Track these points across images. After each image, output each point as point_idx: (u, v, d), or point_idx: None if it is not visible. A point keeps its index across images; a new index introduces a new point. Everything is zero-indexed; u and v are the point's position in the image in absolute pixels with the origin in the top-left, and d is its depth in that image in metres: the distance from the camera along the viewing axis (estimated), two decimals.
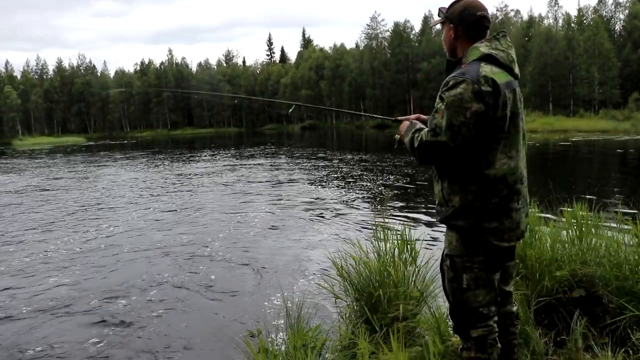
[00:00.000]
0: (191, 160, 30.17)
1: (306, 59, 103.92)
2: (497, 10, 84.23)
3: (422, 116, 2.87)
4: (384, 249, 4.34)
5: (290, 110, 3.65)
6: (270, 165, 24.39)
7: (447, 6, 2.65)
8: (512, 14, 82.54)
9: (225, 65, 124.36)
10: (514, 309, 2.83)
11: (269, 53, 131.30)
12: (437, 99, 2.43)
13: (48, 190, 18.51)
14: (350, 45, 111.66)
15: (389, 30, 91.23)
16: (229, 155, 33.35)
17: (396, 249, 4.32)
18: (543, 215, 4.85)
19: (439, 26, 2.74)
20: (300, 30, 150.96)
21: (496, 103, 2.35)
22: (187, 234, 10.04)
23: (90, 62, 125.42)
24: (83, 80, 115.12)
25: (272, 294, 6.10)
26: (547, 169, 19.45)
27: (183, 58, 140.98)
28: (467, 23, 2.54)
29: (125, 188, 18.14)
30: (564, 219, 4.53)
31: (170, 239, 9.64)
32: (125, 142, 73.32)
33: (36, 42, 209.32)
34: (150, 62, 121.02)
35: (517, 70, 2.54)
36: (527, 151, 2.65)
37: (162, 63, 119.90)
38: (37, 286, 7.13)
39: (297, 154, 30.55)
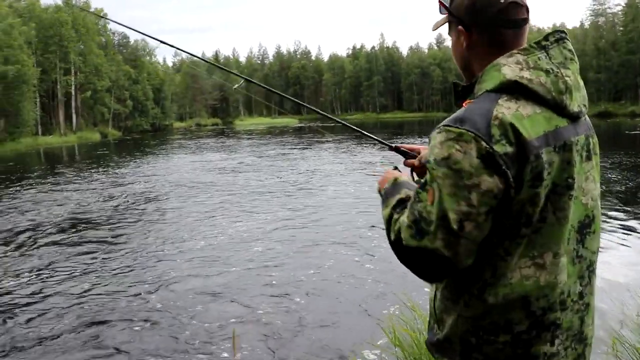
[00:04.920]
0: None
1: None
2: None
3: None
4: None
5: (237, 85, 2.60)
6: None
7: None
8: None
9: (436, 48, 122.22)
10: None
11: None
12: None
13: (246, 171, 19.77)
14: (573, 24, 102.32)
15: (621, 4, 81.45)
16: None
17: None
18: None
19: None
20: None
21: (520, 174, 1.21)
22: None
23: (306, 47, 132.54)
24: (298, 64, 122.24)
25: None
26: None
27: (394, 42, 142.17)
28: (486, 19, 1.35)
29: (323, 172, 18.48)
30: None
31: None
32: (334, 125, 75.94)
33: (253, 29, 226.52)
34: (362, 47, 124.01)
35: (576, 105, 1.32)
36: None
37: (372, 47, 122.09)
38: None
39: None
